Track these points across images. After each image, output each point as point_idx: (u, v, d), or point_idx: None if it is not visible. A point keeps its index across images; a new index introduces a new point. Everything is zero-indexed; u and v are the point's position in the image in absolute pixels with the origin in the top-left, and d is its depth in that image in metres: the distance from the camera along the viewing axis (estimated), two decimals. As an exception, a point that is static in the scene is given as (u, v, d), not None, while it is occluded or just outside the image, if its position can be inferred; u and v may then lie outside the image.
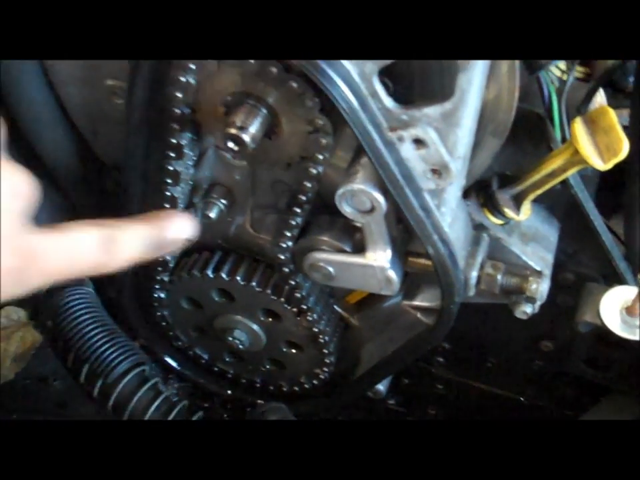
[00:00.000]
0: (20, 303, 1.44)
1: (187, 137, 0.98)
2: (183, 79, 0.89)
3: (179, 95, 0.91)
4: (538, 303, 1.03)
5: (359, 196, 0.91)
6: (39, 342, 1.41)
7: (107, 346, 1.18)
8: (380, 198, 0.90)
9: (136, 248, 0.85)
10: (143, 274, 1.24)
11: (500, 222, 1.05)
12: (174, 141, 0.97)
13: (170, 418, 1.14)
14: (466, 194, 1.05)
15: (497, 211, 1.03)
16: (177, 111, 0.93)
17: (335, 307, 1.25)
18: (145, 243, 0.87)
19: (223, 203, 1.10)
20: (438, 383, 1.48)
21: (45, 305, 1.24)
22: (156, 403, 1.15)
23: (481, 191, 1.05)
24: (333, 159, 1.00)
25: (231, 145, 0.88)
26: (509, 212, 1.02)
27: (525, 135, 1.02)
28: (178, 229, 0.90)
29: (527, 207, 1.03)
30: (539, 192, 1.01)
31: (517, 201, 1.03)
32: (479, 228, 1.04)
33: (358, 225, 1.02)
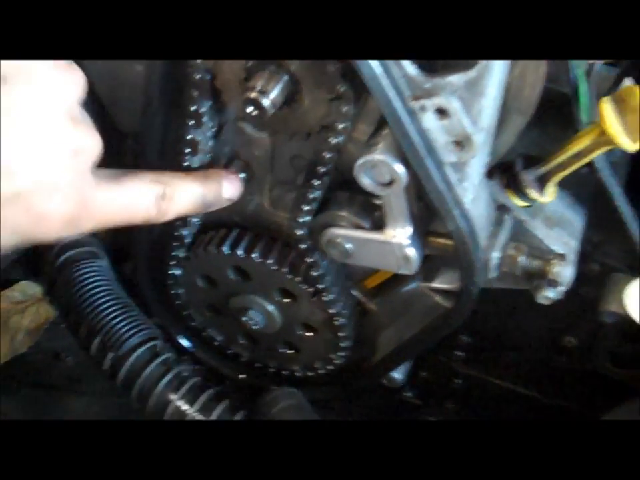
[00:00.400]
0: (35, 277, 1.44)
1: (206, 104, 0.96)
2: (203, 42, 0.88)
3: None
4: (561, 288, 1.00)
5: (379, 167, 0.89)
6: (53, 317, 1.40)
7: (119, 319, 1.17)
8: (400, 169, 0.88)
9: (187, 206, 0.92)
10: (158, 250, 1.22)
11: (524, 204, 1.02)
12: (193, 108, 0.96)
13: (180, 394, 1.12)
14: (489, 174, 1.02)
15: (520, 192, 1.00)
16: (197, 76, 0.92)
17: (352, 290, 1.23)
18: (196, 202, 0.93)
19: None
20: (456, 378, 1.45)
21: (58, 276, 1.23)
22: (166, 378, 1.13)
23: (504, 172, 1.02)
24: (354, 133, 0.98)
25: (249, 109, 0.86)
26: (533, 193, 0.99)
27: (550, 116, 0.99)
28: (226, 189, 0.97)
29: (551, 189, 1.00)
30: (565, 173, 0.98)
31: (542, 183, 1.00)
32: (501, 209, 1.02)
33: (378, 202, 1.00)
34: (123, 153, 1.17)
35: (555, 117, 0.99)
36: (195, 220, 1.16)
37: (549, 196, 1.00)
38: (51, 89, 0.71)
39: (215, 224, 1.20)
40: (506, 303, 1.26)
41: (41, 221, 0.73)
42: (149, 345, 1.17)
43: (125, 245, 1.32)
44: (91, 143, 0.76)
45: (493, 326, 1.33)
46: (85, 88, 0.77)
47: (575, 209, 1.07)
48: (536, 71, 0.89)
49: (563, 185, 1.04)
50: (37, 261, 1.32)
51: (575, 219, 1.07)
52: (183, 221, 1.14)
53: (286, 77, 0.88)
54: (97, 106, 1.09)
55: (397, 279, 1.20)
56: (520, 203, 1.02)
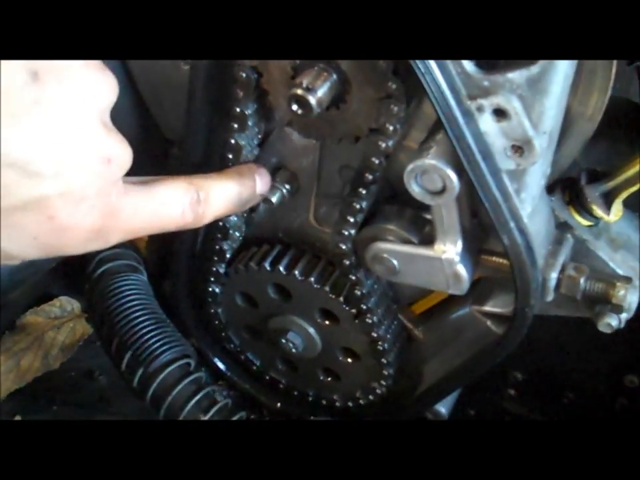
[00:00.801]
0: (75, 293, 1.41)
1: (251, 106, 0.92)
2: (250, 37, 0.84)
3: (245, 55, 0.85)
4: (625, 315, 0.91)
5: (430, 173, 0.83)
6: (88, 334, 1.36)
7: (152, 334, 1.12)
8: (453, 176, 0.82)
9: (224, 207, 0.87)
10: (198, 265, 1.18)
11: (587, 223, 0.95)
12: (238, 109, 0.92)
13: (209, 416, 1.06)
14: (550, 190, 0.95)
15: (584, 209, 0.93)
16: (243, 74, 0.88)
17: (398, 315, 1.16)
18: (233, 201, 0.89)
19: (287, 188, 1.03)
20: (507, 417, 1.36)
21: (95, 289, 1.19)
22: (196, 398, 1.08)
23: (567, 188, 0.95)
24: (406, 140, 0.93)
25: (294, 107, 0.81)
26: (598, 210, 0.92)
27: (620, 128, 0.92)
28: (259, 184, 0.94)
29: (618, 207, 0.93)
30: (633, 190, 0.90)
31: (608, 200, 0.93)
32: (562, 227, 0.94)
33: (428, 217, 0.94)
34: (167, 163, 1.14)
35: (625, 129, 0.92)
36: (236, 234, 1.11)
37: (615, 215, 0.93)
38: (85, 89, 0.66)
39: (258, 240, 1.16)
40: (563, 337, 1.18)
41: (65, 232, 0.68)
42: (181, 362, 1.12)
43: (165, 261, 1.28)
44: (123, 153, 0.71)
45: (548, 362, 1.24)
46: (117, 92, 0.72)
47: (642, 232, 0.99)
48: (605, 73, 0.82)
49: (631, 206, 0.97)
50: (78, 275, 1.29)
51: (643, 243, 0.99)
52: (223, 233, 1.09)
53: (334, 76, 0.83)
54: (141, 110, 1.06)
55: (446, 305, 1.13)
56: (583, 221, 0.94)
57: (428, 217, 0.95)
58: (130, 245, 1.27)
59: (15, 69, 0.60)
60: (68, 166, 0.65)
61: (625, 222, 0.97)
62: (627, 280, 0.90)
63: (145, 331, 1.12)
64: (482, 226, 0.95)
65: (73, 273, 1.32)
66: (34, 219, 0.65)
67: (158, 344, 1.11)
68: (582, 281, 0.91)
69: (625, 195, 0.91)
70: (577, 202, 0.93)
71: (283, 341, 1.17)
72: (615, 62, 0.81)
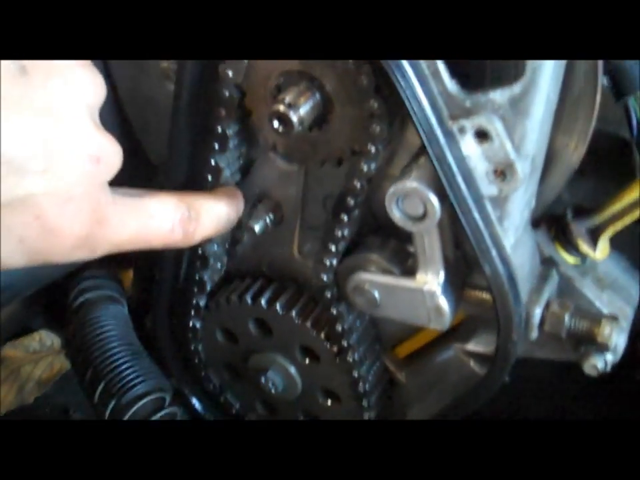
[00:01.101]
0: (55, 328, 1.38)
1: (234, 126, 0.91)
2: (234, 55, 0.83)
3: (230, 72, 0.85)
4: (611, 357, 0.88)
5: (412, 197, 0.81)
6: (66, 369, 1.33)
7: (127, 365, 1.08)
8: (434, 200, 0.80)
9: (213, 227, 0.86)
10: (179, 298, 1.15)
11: (573, 260, 0.92)
12: (219, 129, 0.91)
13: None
14: (536, 225, 0.93)
15: (570, 245, 0.91)
16: (226, 92, 0.87)
17: (381, 357, 1.13)
18: (221, 222, 0.87)
19: (270, 218, 1.01)
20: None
21: (73, 319, 1.16)
22: (168, 431, 1.03)
23: (553, 224, 0.93)
24: (389, 169, 0.92)
25: (276, 124, 0.80)
26: (584, 246, 0.90)
27: (607, 163, 0.91)
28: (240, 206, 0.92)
29: (604, 244, 0.91)
30: (620, 226, 0.88)
31: (594, 236, 0.90)
32: (547, 263, 0.92)
33: (412, 250, 0.92)
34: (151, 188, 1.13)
35: (612, 165, 0.91)
36: (217, 264, 1.09)
37: (602, 252, 0.91)
38: (73, 85, 0.65)
39: (241, 274, 1.13)
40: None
41: (52, 234, 0.66)
42: (155, 395, 1.07)
43: (147, 297, 1.26)
44: (112, 152, 0.69)
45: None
46: (105, 92, 0.71)
47: (631, 274, 0.97)
48: (589, 101, 0.82)
49: (619, 247, 0.94)
50: (59, 309, 1.26)
51: (631, 285, 0.96)
52: (203, 262, 1.07)
53: (317, 95, 0.82)
54: (128, 134, 1.06)
55: (430, 348, 1.09)
56: (569, 258, 0.92)
57: (411, 249, 0.93)
58: (113, 276, 1.24)
59: (3, 63, 0.59)
60: (55, 163, 0.63)
61: (612, 262, 0.94)
62: (613, 318, 0.87)
63: (120, 362, 1.08)
64: (466, 259, 0.93)
65: (55, 307, 1.30)
66: (20, 219, 0.63)
67: (132, 375, 1.07)
68: (566, 317, 0.88)
69: (611, 231, 0.89)
70: (563, 237, 0.91)
71: (263, 380, 1.14)
72: (599, 89, 0.81)
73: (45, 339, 1.37)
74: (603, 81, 0.82)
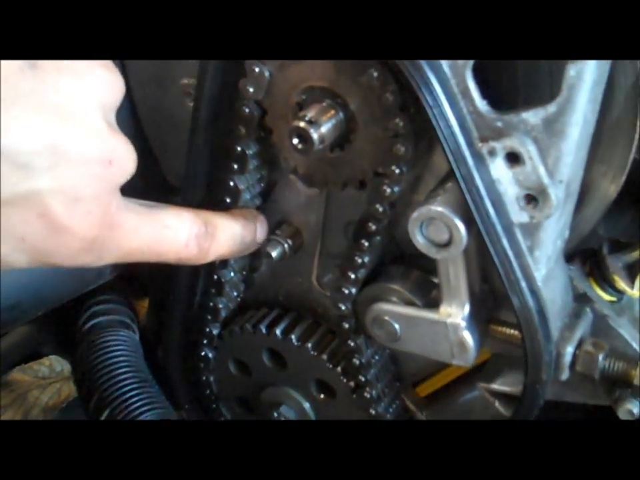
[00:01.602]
0: (65, 354, 1.34)
1: (253, 146, 0.88)
2: (256, 69, 0.80)
3: (250, 88, 0.81)
4: (649, 402, 0.82)
5: (437, 222, 0.76)
6: (73, 396, 1.28)
7: (133, 393, 1.04)
8: (460, 226, 0.75)
9: (228, 247, 0.83)
10: (192, 327, 1.11)
11: (609, 297, 0.86)
12: (239, 148, 0.87)
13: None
14: (569, 259, 0.88)
15: (605, 281, 0.86)
16: (246, 110, 0.84)
17: (401, 395, 1.07)
18: (236, 243, 0.85)
19: (289, 244, 0.97)
20: None
21: (82, 342, 1.12)
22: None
23: (588, 258, 0.88)
24: (415, 195, 0.87)
25: (295, 141, 0.76)
26: (621, 282, 0.84)
27: (647, 194, 0.86)
28: (260, 232, 0.90)
29: (643, 282, 0.85)
30: (660, 262, 0.83)
31: (632, 272, 0.85)
32: (581, 300, 0.86)
33: (436, 281, 0.87)
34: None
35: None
36: (233, 292, 1.05)
37: (640, 290, 0.85)
38: (87, 82, 0.62)
39: (258, 303, 1.09)
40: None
41: (57, 233, 0.62)
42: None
43: (160, 326, 1.21)
44: (125, 155, 0.65)
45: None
46: (123, 93, 0.68)
47: (671, 315, 0.91)
48: (630, 128, 0.77)
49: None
50: (69, 335, 1.23)
51: (671, 327, 0.90)
52: (218, 289, 1.03)
53: (341, 114, 0.78)
54: (146, 154, 1.03)
55: (453, 387, 1.03)
56: (604, 295, 0.86)
57: (436, 280, 0.88)
58: (125, 302, 1.20)
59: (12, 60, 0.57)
60: (62, 161, 0.60)
61: (651, 302, 0.88)
62: (651, 360, 0.81)
63: (126, 389, 1.04)
64: (493, 293, 0.88)
65: (66, 332, 1.26)
66: (22, 216, 0.60)
67: (138, 404, 1.02)
68: (601, 358, 0.82)
69: (651, 267, 0.84)
70: (598, 273, 0.86)
71: (275, 415, 1.08)
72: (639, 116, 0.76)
73: (55, 365, 1.33)
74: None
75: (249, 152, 0.88)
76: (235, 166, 0.89)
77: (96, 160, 0.62)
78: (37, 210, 0.60)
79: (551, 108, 0.69)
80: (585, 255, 0.88)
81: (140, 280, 1.26)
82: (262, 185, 0.94)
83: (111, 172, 0.64)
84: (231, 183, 0.89)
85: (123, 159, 0.65)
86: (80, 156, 0.61)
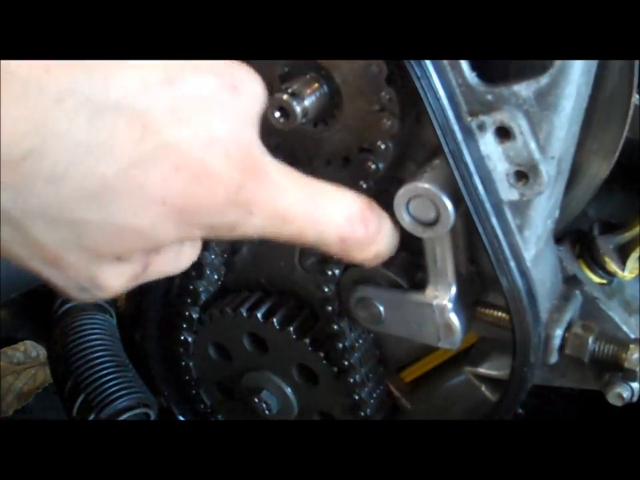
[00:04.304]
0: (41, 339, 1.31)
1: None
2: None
3: (230, 60, 0.78)
4: (638, 385, 0.80)
5: (423, 200, 0.73)
6: (49, 382, 1.25)
7: (109, 377, 1.01)
8: (447, 203, 0.72)
9: (390, 242, 0.73)
10: (171, 311, 1.08)
11: (599, 279, 0.84)
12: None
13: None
14: (559, 241, 0.86)
15: (596, 263, 0.83)
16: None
17: (385, 380, 1.04)
18: (393, 242, 0.74)
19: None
20: None
21: (56, 327, 1.09)
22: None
23: (578, 241, 0.86)
24: (400, 173, 0.85)
25: (277, 114, 0.73)
26: (612, 264, 0.82)
27: (638, 175, 0.83)
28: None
29: (634, 263, 0.83)
30: (652, 243, 0.80)
31: (623, 254, 0.83)
32: (571, 281, 0.84)
33: (421, 262, 0.85)
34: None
35: (644, 179, 0.83)
36: (214, 275, 1.02)
37: (631, 272, 0.83)
38: None
39: (238, 287, 1.06)
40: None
41: (199, 183, 0.54)
42: (137, 411, 1.00)
43: (137, 310, 1.18)
44: (250, 78, 0.58)
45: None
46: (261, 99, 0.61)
47: (662, 299, 0.89)
48: (624, 101, 0.74)
49: (648, 269, 0.86)
50: (46, 319, 1.19)
51: (662, 312, 0.88)
52: (198, 272, 1.00)
53: (325, 87, 0.75)
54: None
55: (438, 372, 1.01)
56: (594, 277, 0.84)
57: (422, 262, 0.85)
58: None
59: None
60: (183, 101, 0.52)
61: (641, 285, 0.86)
62: (642, 343, 0.79)
63: (102, 373, 1.01)
64: (481, 275, 0.86)
65: (42, 317, 1.23)
66: (157, 175, 0.52)
67: (114, 388, 1.00)
68: (590, 340, 0.80)
69: (642, 249, 0.81)
70: (588, 255, 0.84)
71: (256, 400, 1.06)
72: (635, 88, 0.73)
73: (30, 350, 1.29)
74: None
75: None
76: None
77: (219, 86, 0.55)
78: (172, 162, 0.52)
79: (544, 80, 0.66)
80: (574, 237, 0.86)
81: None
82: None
83: (240, 100, 0.56)
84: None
85: (248, 81, 0.58)
86: (198, 88, 0.54)
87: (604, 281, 0.85)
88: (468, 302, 0.84)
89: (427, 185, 0.73)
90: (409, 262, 0.88)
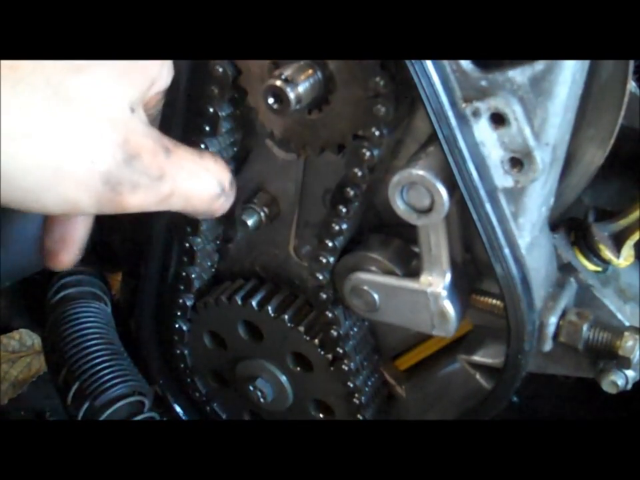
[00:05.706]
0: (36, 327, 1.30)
1: (227, 108, 0.84)
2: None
3: (224, 46, 0.77)
4: (632, 373, 0.80)
5: (418, 187, 0.73)
6: (44, 370, 1.25)
7: (104, 365, 1.01)
8: (442, 190, 0.72)
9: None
10: (164, 299, 1.08)
11: (594, 267, 0.84)
12: (211, 109, 0.83)
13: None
14: (554, 228, 0.85)
15: (591, 251, 0.83)
16: (219, 69, 0.80)
17: (380, 368, 1.04)
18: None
19: (265, 212, 0.94)
20: None
21: (51, 314, 1.08)
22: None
23: (573, 228, 0.85)
24: (395, 160, 0.84)
25: (271, 100, 0.73)
26: (607, 252, 0.82)
27: (633, 163, 0.83)
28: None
29: (629, 251, 0.83)
30: (647, 230, 0.80)
31: (617, 242, 0.82)
32: (565, 269, 0.84)
33: (417, 250, 0.84)
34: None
35: (639, 165, 0.83)
36: (206, 262, 1.02)
37: (626, 259, 0.83)
38: None
39: (233, 275, 1.05)
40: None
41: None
42: (132, 399, 0.99)
43: (133, 300, 1.18)
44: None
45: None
46: None
47: (657, 287, 0.88)
48: (620, 87, 0.74)
49: (642, 257, 0.86)
50: (40, 308, 1.19)
51: (658, 300, 0.87)
52: (190, 257, 0.99)
53: (319, 73, 0.75)
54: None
55: (433, 360, 1.01)
56: (589, 264, 0.84)
57: (416, 250, 0.85)
58: (97, 273, 1.16)
59: None
60: None
61: (636, 273, 0.86)
62: (636, 330, 0.79)
63: (96, 361, 1.00)
64: (475, 263, 0.85)
65: (37, 306, 1.23)
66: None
67: (109, 376, 0.99)
68: (585, 328, 0.80)
69: (637, 237, 0.81)
70: (584, 242, 0.83)
71: (251, 388, 1.05)
72: (630, 74, 0.73)
73: (25, 339, 1.29)
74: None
75: (222, 114, 0.84)
76: (207, 128, 0.85)
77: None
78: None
79: (539, 65, 0.66)
80: (570, 224, 0.85)
81: (112, 251, 1.23)
82: (235, 149, 0.90)
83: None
84: (202, 146, 0.86)
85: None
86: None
87: (599, 269, 0.84)
88: (463, 290, 0.84)
89: (421, 172, 0.72)
90: (403, 249, 0.88)
